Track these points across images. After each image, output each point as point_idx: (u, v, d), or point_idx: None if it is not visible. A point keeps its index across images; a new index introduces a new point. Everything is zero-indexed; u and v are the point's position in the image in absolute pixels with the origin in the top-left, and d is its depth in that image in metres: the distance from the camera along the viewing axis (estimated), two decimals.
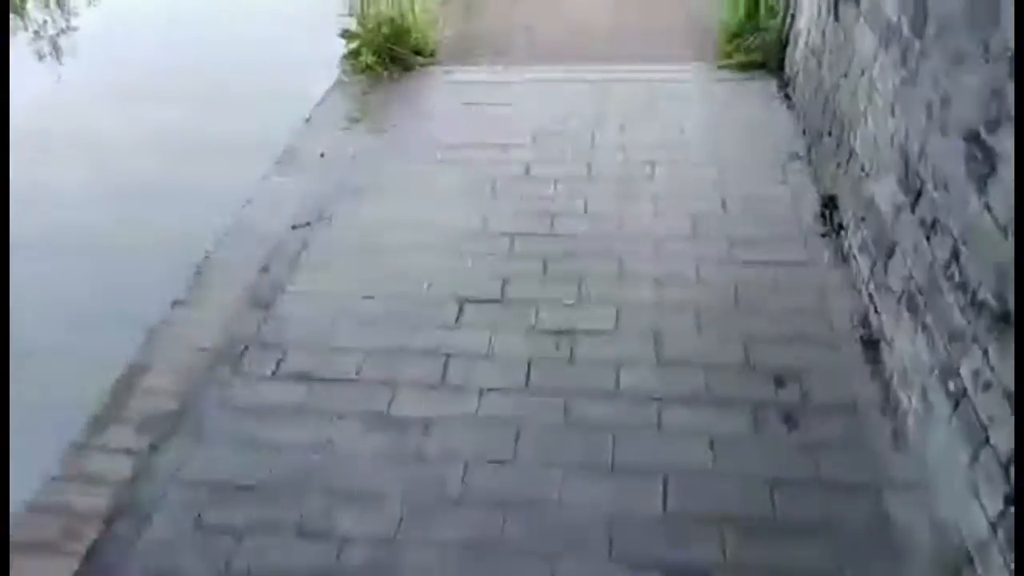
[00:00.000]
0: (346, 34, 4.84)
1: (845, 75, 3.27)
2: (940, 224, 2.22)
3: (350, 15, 4.88)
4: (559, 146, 3.92)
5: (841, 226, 3.17)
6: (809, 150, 3.75)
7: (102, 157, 4.29)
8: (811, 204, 3.40)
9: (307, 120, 4.32)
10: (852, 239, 3.02)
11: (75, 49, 6.09)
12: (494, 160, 3.84)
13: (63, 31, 6.45)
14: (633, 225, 3.31)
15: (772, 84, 4.38)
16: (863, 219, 2.91)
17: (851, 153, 3.12)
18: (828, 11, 3.60)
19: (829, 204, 3.31)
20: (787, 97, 4.25)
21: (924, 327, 2.29)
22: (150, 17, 6.30)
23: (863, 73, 3.05)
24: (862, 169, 2.97)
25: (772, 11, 4.53)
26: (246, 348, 2.78)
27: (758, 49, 4.48)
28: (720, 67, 4.56)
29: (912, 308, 2.38)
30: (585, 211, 3.43)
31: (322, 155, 3.91)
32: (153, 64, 5.34)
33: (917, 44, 2.50)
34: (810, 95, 3.83)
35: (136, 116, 4.66)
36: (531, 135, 4.03)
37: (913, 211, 2.43)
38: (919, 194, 2.40)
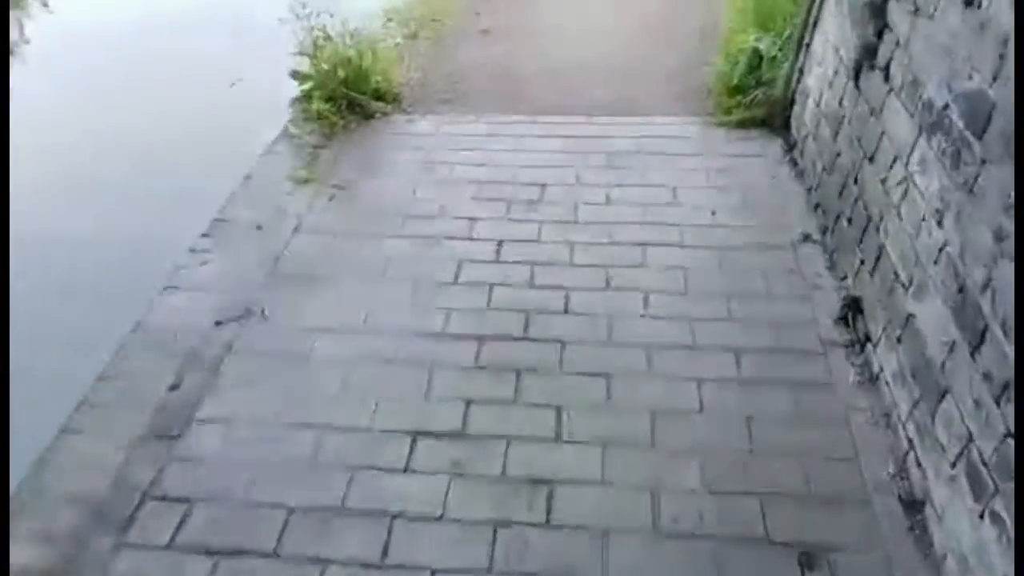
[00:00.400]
0: (296, 75, 4.26)
1: (871, 158, 2.79)
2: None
3: (302, 53, 4.27)
4: (536, 219, 3.39)
5: (868, 337, 2.69)
6: (824, 232, 3.26)
7: None
8: (829, 303, 2.90)
9: (246, 178, 3.74)
10: (883, 358, 2.53)
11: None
12: (461, 236, 3.30)
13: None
14: (622, 330, 2.79)
15: (777, 146, 3.89)
16: (899, 340, 2.42)
17: (880, 251, 2.64)
18: (847, 75, 3.12)
19: (852, 307, 2.82)
20: (794, 163, 3.76)
21: (994, 517, 1.80)
22: (96, 35, 5.71)
23: (896, 160, 2.57)
24: (896, 276, 2.49)
25: (775, 62, 4.04)
26: (141, 501, 2.22)
27: (761, 105, 3.99)
28: (719, 124, 4.06)
29: (975, 484, 1.89)
30: (566, 309, 2.90)
31: (259, 227, 3.34)
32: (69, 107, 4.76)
33: (976, 145, 2.02)
34: (824, 167, 3.35)
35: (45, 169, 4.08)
36: (504, 204, 3.50)
37: (974, 357, 1.94)
38: (983, 337, 1.91)
